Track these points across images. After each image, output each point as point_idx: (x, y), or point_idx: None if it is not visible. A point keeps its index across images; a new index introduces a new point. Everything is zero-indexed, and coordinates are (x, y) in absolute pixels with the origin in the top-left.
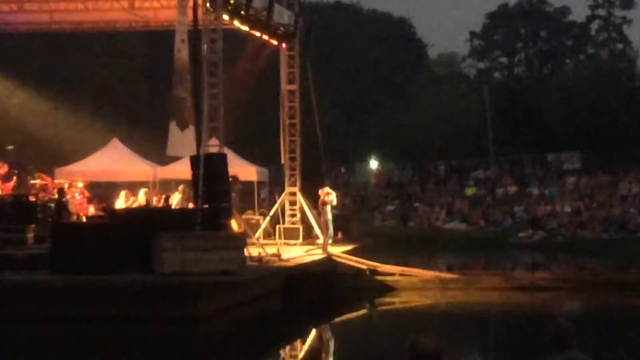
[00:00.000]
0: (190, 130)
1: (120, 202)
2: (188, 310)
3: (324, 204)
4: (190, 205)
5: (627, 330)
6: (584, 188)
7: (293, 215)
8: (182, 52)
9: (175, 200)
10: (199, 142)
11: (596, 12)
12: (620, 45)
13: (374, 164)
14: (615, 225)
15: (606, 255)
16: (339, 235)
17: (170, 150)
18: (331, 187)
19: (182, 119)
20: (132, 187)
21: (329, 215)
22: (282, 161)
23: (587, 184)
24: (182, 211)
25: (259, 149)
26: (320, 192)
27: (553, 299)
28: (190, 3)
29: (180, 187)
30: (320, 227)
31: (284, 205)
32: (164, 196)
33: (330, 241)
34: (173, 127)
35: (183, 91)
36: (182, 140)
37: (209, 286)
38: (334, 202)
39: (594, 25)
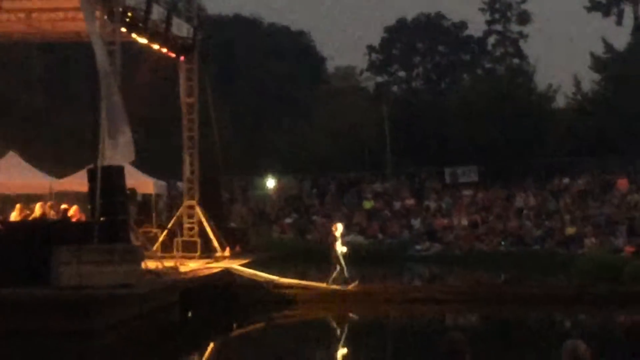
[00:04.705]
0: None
1: (15, 216)
2: (85, 323)
3: (334, 239)
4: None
5: (520, 342)
6: (481, 201)
7: (191, 229)
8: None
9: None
10: (96, 154)
11: (493, 27)
12: (516, 60)
13: (272, 176)
14: (511, 238)
15: (502, 268)
16: (237, 248)
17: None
18: (230, 201)
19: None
20: (29, 200)
21: (339, 251)
22: (183, 174)
23: (483, 197)
24: (79, 224)
25: (157, 162)
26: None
27: (449, 312)
28: (98, 14)
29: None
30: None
31: (182, 218)
32: (62, 209)
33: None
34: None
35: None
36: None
37: (106, 299)
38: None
39: (491, 40)
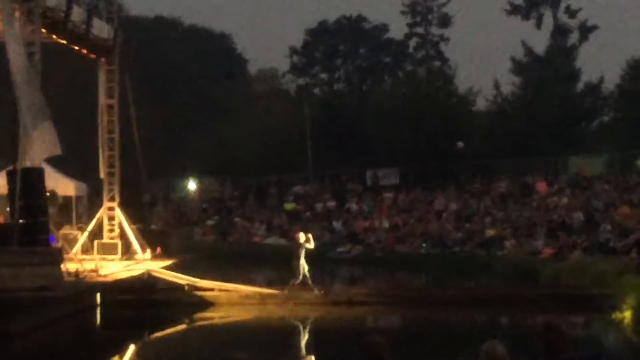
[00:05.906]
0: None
1: None
2: (3, 326)
3: (300, 247)
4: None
5: (440, 344)
6: (402, 203)
7: (112, 230)
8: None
9: None
10: (15, 156)
11: (414, 29)
12: (437, 63)
13: (194, 178)
14: (432, 240)
15: (423, 270)
16: (158, 250)
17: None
18: (151, 203)
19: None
20: None
21: (302, 260)
22: (101, 175)
23: (404, 200)
24: None
25: (78, 164)
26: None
27: (369, 314)
28: (17, 15)
29: None
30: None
31: (102, 220)
32: None
33: (295, 283)
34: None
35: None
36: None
37: (25, 302)
38: (310, 246)
39: (412, 42)
